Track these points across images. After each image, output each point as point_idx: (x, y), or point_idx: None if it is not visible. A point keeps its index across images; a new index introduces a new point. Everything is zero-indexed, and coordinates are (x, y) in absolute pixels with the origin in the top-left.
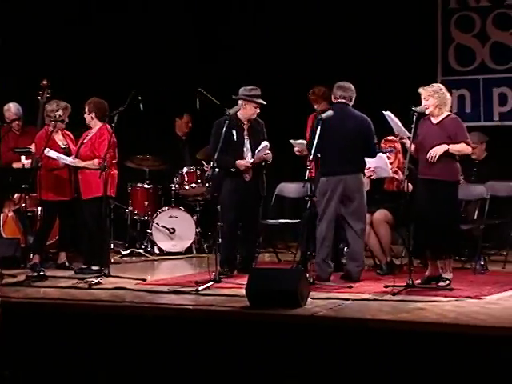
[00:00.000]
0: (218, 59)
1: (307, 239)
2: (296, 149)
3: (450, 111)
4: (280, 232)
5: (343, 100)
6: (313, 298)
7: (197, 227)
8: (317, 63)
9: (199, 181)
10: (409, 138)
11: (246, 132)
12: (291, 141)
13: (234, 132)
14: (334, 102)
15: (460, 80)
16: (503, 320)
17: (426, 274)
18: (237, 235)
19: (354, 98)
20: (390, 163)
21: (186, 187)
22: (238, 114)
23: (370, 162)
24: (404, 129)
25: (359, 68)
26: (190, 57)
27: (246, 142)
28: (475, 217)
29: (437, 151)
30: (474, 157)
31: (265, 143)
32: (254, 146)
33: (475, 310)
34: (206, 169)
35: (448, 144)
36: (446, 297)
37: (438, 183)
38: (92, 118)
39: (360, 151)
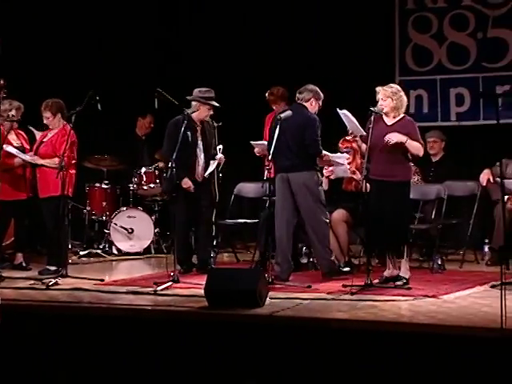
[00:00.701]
0: (178, 59)
1: (266, 239)
2: (256, 150)
3: (407, 112)
4: (239, 232)
5: (298, 101)
6: (271, 298)
7: (155, 227)
8: (275, 63)
9: (157, 181)
10: (361, 136)
11: (199, 133)
12: (252, 142)
13: (189, 133)
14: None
15: (417, 80)
16: (460, 319)
17: (384, 273)
18: (189, 235)
19: (311, 99)
20: (348, 163)
21: (145, 187)
22: (192, 115)
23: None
24: (360, 127)
25: (317, 68)
26: (153, 56)
27: (200, 143)
28: (433, 216)
29: (395, 137)
30: (432, 152)
31: (220, 146)
32: (206, 148)
33: (432, 310)
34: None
35: (400, 147)
36: (403, 296)
37: (390, 183)
38: (59, 119)
39: (305, 149)
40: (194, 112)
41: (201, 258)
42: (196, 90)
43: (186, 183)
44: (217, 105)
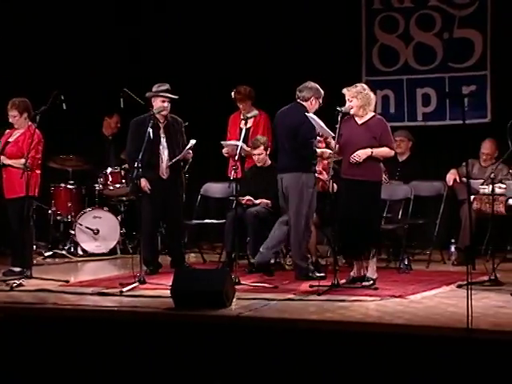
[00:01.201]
0: (145, 59)
1: (232, 240)
2: (225, 150)
3: (375, 111)
4: (205, 232)
5: (298, 99)
6: (238, 299)
7: (121, 228)
8: (239, 63)
9: (123, 181)
10: (333, 137)
11: (162, 130)
12: (222, 142)
13: (151, 130)
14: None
15: (384, 80)
16: (426, 319)
17: (351, 273)
18: (155, 235)
19: (311, 98)
20: None
21: (111, 187)
22: (154, 106)
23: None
24: (327, 129)
25: (282, 67)
26: (120, 55)
27: (163, 140)
28: (399, 216)
29: (360, 155)
30: (399, 150)
31: (193, 141)
32: (171, 145)
33: (399, 310)
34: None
35: (372, 146)
36: (370, 296)
37: (361, 183)
38: (25, 118)
39: (296, 149)
40: (160, 110)
41: (175, 257)
42: (156, 85)
43: (142, 182)
44: (172, 96)
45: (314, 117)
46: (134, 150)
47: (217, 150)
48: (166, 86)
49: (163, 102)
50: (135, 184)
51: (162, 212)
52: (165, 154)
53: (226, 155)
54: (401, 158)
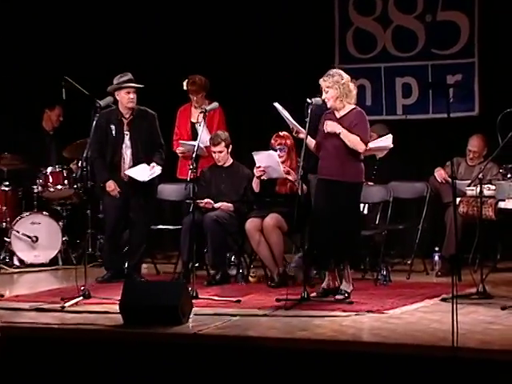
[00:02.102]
0: (89, 44)
1: (189, 248)
2: (182, 149)
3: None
4: (159, 240)
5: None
6: (196, 314)
7: (63, 235)
8: (194, 50)
9: (66, 182)
10: (301, 131)
11: (126, 127)
12: (181, 142)
13: (113, 127)
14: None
15: (359, 68)
16: (406, 336)
17: (323, 285)
18: (118, 238)
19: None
20: (282, 162)
21: (51, 189)
22: (119, 106)
23: (259, 161)
24: (294, 122)
25: (245, 55)
26: (60, 41)
27: (126, 137)
28: (377, 222)
29: (330, 126)
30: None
31: (158, 169)
32: (136, 144)
33: (376, 326)
34: (73, 168)
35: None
36: (344, 311)
37: (340, 184)
38: None
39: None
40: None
41: (130, 264)
42: (117, 77)
43: (110, 186)
44: (137, 86)
45: (280, 107)
46: (96, 148)
47: (167, 147)
48: (128, 76)
49: (128, 93)
50: (99, 187)
51: (125, 214)
52: (127, 153)
53: (180, 155)
54: (378, 156)
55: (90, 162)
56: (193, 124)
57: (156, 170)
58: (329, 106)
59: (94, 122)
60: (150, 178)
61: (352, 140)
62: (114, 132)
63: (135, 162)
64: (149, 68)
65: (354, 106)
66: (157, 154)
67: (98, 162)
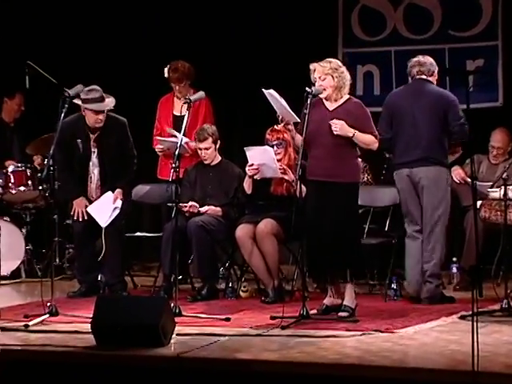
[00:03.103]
0: (57, 27)
1: (171, 258)
2: (160, 147)
3: (353, 94)
4: (136, 249)
5: (417, 75)
6: (179, 335)
7: (27, 244)
8: (181, 33)
9: (30, 183)
10: (296, 125)
11: (93, 143)
12: (158, 138)
13: (80, 142)
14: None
15: (366, 53)
16: (421, 360)
17: (324, 301)
18: (89, 249)
19: (434, 71)
20: (278, 160)
21: (13, 191)
22: (85, 118)
23: (251, 157)
24: (291, 111)
25: (239, 38)
26: (23, 24)
27: (93, 155)
28: (386, 228)
29: (341, 129)
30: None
31: (117, 208)
32: (103, 162)
33: (386, 348)
34: (37, 164)
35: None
36: (349, 330)
37: (334, 185)
38: None
39: (439, 134)
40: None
41: (106, 280)
42: (85, 90)
43: (80, 205)
44: (105, 108)
45: (274, 93)
46: (61, 158)
47: (147, 143)
48: (98, 93)
49: (97, 114)
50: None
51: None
52: (95, 172)
53: (160, 153)
54: (388, 154)
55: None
56: (176, 117)
57: (118, 204)
58: (324, 96)
59: (62, 114)
60: (110, 220)
61: (367, 141)
62: (80, 148)
63: (103, 181)
64: (126, 53)
65: (348, 96)
66: (124, 176)
67: (66, 175)
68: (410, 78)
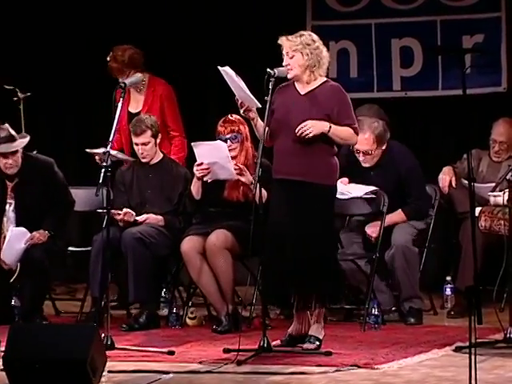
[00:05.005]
0: None
1: (102, 277)
2: (97, 158)
3: (327, 76)
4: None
5: None
6: (111, 372)
7: None
8: (129, 12)
9: None
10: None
11: (9, 193)
12: (88, 150)
13: None
14: None
15: (341, 26)
16: None
17: (289, 330)
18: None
19: None
20: (233, 158)
21: None
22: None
23: (200, 155)
24: (251, 95)
25: (191, 13)
26: None
27: (9, 208)
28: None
29: (314, 126)
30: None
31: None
32: (20, 217)
33: None
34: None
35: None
36: (319, 366)
37: (306, 188)
38: None
39: None
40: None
41: (21, 305)
42: None
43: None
44: (2, 151)
45: (231, 72)
46: None
47: (80, 142)
48: (5, 132)
49: (5, 157)
50: None
51: None
52: (10, 229)
53: (99, 162)
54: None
55: None
56: (131, 115)
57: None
58: (290, 76)
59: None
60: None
61: (344, 135)
62: None
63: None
64: (68, 38)
65: (325, 79)
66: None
67: None
68: None
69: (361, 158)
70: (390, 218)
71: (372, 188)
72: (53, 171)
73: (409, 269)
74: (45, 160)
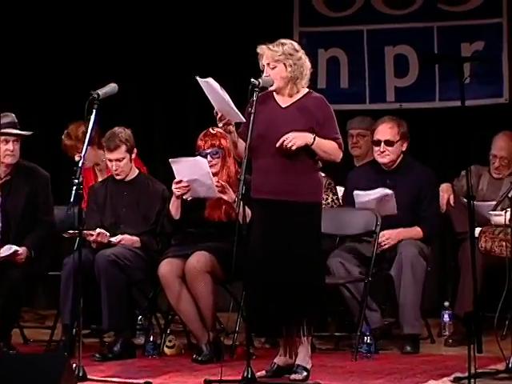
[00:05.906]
0: None
1: (73, 303)
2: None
3: (313, 87)
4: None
5: None
6: None
7: None
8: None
9: None
10: (238, 127)
11: None
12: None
13: None
14: None
15: (331, 33)
16: None
17: (275, 360)
18: None
19: None
20: (214, 174)
21: None
22: None
23: (179, 172)
24: (235, 108)
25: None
26: None
27: None
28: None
29: (297, 138)
30: (355, 153)
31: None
32: (7, 218)
33: None
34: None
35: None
36: None
37: (291, 207)
38: None
39: None
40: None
41: None
42: None
43: None
44: (21, 133)
45: (212, 83)
46: None
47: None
48: (9, 118)
49: (6, 142)
50: None
51: None
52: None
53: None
54: (359, 163)
55: None
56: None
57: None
58: (273, 88)
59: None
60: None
61: (328, 148)
62: None
63: (3, 245)
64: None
65: (307, 90)
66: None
67: None
68: None
69: (381, 149)
70: (408, 233)
71: (388, 191)
72: (46, 183)
73: (415, 284)
74: (41, 171)
